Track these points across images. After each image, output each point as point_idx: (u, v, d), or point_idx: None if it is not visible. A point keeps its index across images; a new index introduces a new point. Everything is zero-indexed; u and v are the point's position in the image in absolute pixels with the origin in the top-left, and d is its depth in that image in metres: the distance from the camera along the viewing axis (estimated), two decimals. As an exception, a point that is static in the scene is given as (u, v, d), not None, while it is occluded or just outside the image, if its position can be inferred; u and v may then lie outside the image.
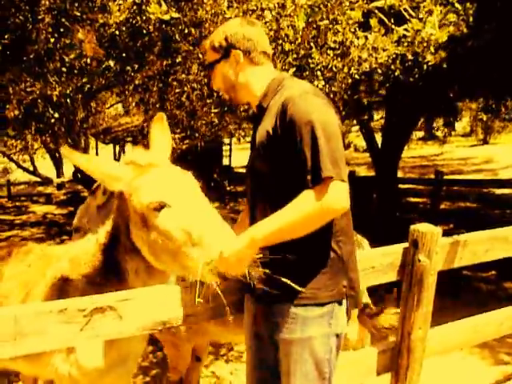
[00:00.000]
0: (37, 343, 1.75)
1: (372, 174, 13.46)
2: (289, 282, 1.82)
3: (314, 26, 2.80)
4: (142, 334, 2.05)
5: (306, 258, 1.90)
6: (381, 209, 10.00)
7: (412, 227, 2.44)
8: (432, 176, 11.39)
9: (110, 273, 2.19)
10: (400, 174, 16.45)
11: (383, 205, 10.05)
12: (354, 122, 14.52)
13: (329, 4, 2.53)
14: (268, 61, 2.14)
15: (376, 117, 15.43)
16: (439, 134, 26.16)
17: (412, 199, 13.42)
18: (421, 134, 29.73)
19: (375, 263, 2.38)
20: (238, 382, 4.40)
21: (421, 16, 2.46)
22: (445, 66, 3.99)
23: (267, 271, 1.81)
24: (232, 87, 2.12)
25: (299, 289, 1.84)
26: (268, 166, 1.94)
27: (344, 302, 1.98)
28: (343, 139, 1.91)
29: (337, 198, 1.75)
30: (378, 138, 11.45)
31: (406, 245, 2.46)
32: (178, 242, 1.90)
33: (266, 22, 2.74)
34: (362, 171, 19.28)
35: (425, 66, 3.99)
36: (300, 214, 1.75)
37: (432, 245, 2.40)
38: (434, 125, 25.63)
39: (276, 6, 2.61)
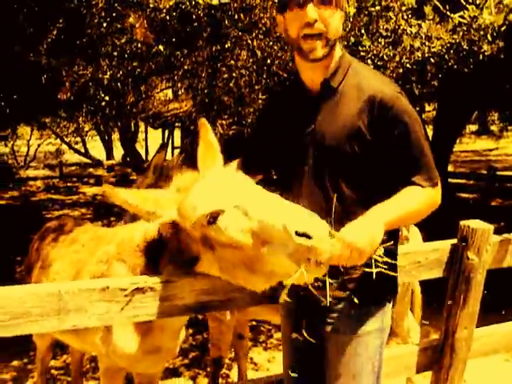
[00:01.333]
0: (79, 319, 1.78)
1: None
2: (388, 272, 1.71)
3: (366, 12, 2.72)
4: (181, 316, 2.07)
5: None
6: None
7: (462, 223, 2.35)
8: (484, 172, 11.04)
9: (149, 268, 2.14)
10: (451, 169, 16.03)
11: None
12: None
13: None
14: None
15: (428, 108, 15.02)
16: (494, 128, 25.28)
17: (462, 195, 13.03)
18: (475, 127, 28.82)
19: (421, 258, 2.31)
20: (276, 370, 4.41)
21: (478, 2, 2.34)
22: (502, 56, 3.83)
23: (390, 260, 1.70)
24: (332, 43, 1.80)
25: (394, 274, 1.80)
26: (353, 159, 1.80)
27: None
28: None
29: (440, 197, 1.91)
30: (430, 130, 11.16)
31: (455, 241, 2.38)
32: (248, 246, 1.62)
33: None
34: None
35: (481, 56, 3.83)
36: (423, 204, 1.83)
37: (482, 242, 2.30)
38: (489, 118, 24.78)
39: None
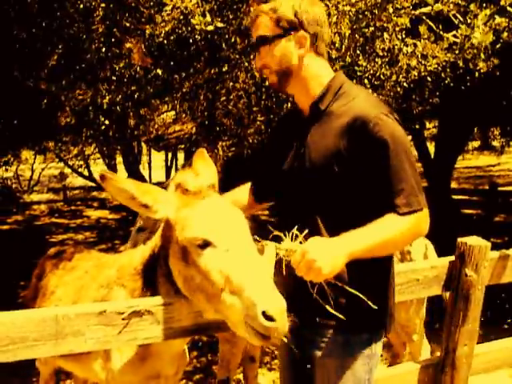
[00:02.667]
0: (76, 344, 1.79)
1: (424, 184, 13.17)
2: (364, 298, 1.71)
3: (360, 33, 2.76)
4: (179, 338, 2.07)
5: (369, 287, 1.82)
6: (433, 220, 9.74)
7: (459, 240, 2.35)
8: (487, 187, 11.03)
9: (147, 289, 2.14)
10: (454, 185, 16.01)
11: (434, 216, 9.78)
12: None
13: (374, 11, 2.49)
14: (325, 54, 1.95)
15: (428, 125, 15.06)
16: (496, 143, 25.32)
17: (466, 211, 13.01)
18: (477, 143, 28.85)
19: (420, 276, 2.31)
20: (280, 392, 4.37)
21: (469, 21, 2.38)
22: (498, 73, 3.86)
23: (345, 286, 1.72)
24: (286, 71, 1.87)
25: (373, 306, 1.74)
26: (333, 183, 1.82)
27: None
28: None
29: (427, 225, 1.85)
30: (431, 147, 11.20)
31: (453, 258, 2.38)
32: (217, 285, 1.72)
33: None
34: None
35: (476, 74, 3.87)
36: (401, 233, 1.75)
37: (480, 259, 2.30)
38: (490, 134, 24.82)
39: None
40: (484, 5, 2.30)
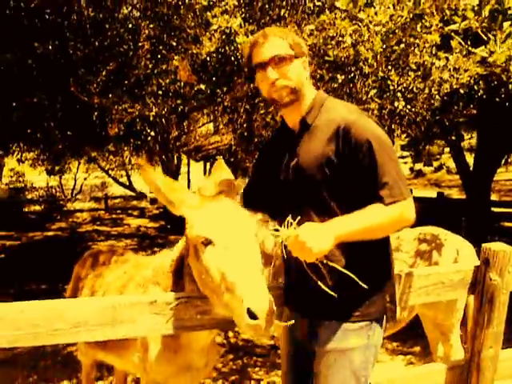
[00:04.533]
0: (130, 329, 2.01)
1: (463, 196, 13.06)
2: (356, 278, 1.86)
3: (391, 50, 2.92)
4: (219, 328, 2.27)
5: (365, 270, 1.98)
6: (470, 232, 9.68)
7: (484, 245, 2.48)
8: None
9: (177, 286, 2.33)
10: (495, 198, 15.78)
11: (473, 228, 9.72)
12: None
13: (404, 29, 2.65)
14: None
15: (466, 137, 14.92)
16: (540, 156, 24.74)
17: (507, 224, 12.83)
18: (520, 155, 28.22)
19: (445, 279, 2.44)
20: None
21: (494, 38, 2.50)
22: (530, 86, 3.94)
23: (337, 266, 1.87)
24: (299, 90, 2.08)
25: (365, 286, 1.88)
26: (326, 186, 2.01)
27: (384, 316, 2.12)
28: None
29: (411, 213, 1.97)
30: (471, 159, 11.13)
31: (478, 263, 2.50)
32: (215, 282, 1.91)
33: (344, 48, 2.92)
34: (455, 193, 18.69)
35: (510, 86, 3.96)
36: (384, 220, 1.92)
37: (504, 264, 2.42)
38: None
39: (352, 32, 2.78)
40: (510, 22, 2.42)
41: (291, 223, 1.87)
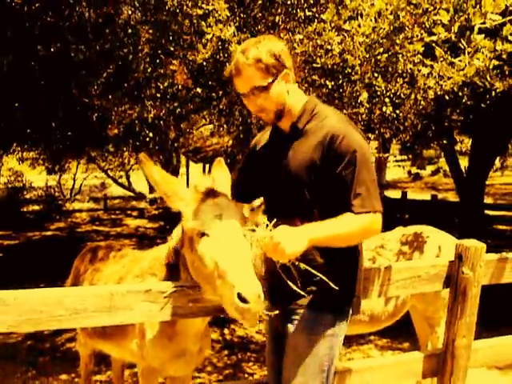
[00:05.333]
0: (126, 316, 2.16)
1: (456, 199, 13.25)
2: (326, 279, 2.03)
3: (374, 59, 3.09)
4: (210, 315, 2.45)
5: (337, 268, 2.17)
6: (463, 234, 9.84)
7: (457, 242, 2.66)
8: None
9: (172, 277, 2.49)
10: (490, 201, 15.97)
11: (466, 230, 9.88)
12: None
13: (385, 40, 2.81)
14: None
15: (459, 141, 15.09)
16: (535, 160, 24.91)
17: (500, 226, 13.02)
18: (515, 160, 28.37)
19: (421, 273, 2.61)
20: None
21: (468, 50, 2.66)
22: (513, 92, 4.11)
23: (308, 268, 2.02)
24: (282, 108, 2.17)
25: (334, 287, 2.04)
26: (307, 187, 2.15)
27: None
28: None
29: (378, 225, 2.12)
30: (462, 161, 11.31)
31: (452, 258, 2.68)
32: (208, 269, 2.06)
33: (331, 56, 3.08)
34: (451, 196, 18.86)
35: (493, 93, 4.13)
36: (354, 229, 2.07)
37: (476, 259, 2.59)
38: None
39: (340, 41, 2.94)
40: (483, 35, 2.59)
41: (267, 225, 2.01)
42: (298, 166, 2.17)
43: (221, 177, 2.46)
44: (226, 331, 6.35)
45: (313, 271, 2.04)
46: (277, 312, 2.13)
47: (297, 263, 2.01)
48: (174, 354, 2.74)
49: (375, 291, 2.55)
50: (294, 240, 1.92)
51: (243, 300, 1.90)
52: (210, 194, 2.24)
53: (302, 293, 2.07)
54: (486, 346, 2.92)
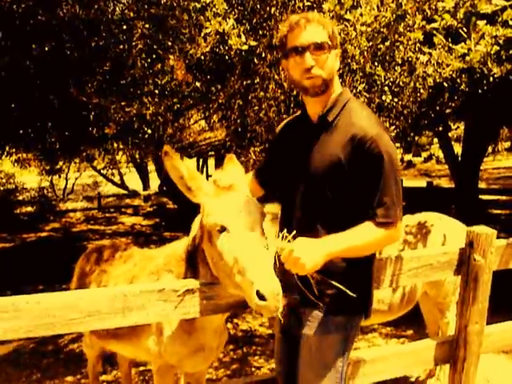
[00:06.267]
0: (140, 317, 2.15)
1: (451, 185, 13.31)
2: (343, 288, 2.04)
3: (376, 48, 3.07)
4: (224, 312, 2.44)
5: (355, 273, 2.18)
6: (458, 219, 9.89)
7: (468, 229, 2.66)
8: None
9: (190, 273, 2.51)
10: (483, 186, 16.05)
11: (461, 215, 9.92)
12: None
13: (385, 29, 2.79)
14: None
15: (453, 127, 15.16)
16: (526, 144, 25.10)
17: (494, 211, 13.10)
18: (507, 144, 28.59)
19: (433, 261, 2.61)
20: None
21: (473, 36, 2.65)
22: (511, 77, 4.11)
23: (325, 278, 2.03)
24: (330, 81, 2.10)
25: (352, 294, 2.05)
26: (330, 186, 2.09)
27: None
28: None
29: (399, 234, 2.13)
30: (456, 148, 11.36)
31: (463, 245, 2.68)
32: (228, 265, 2.06)
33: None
34: (444, 183, 18.96)
35: (491, 78, 4.13)
36: (375, 240, 2.06)
37: (487, 245, 2.60)
38: (521, 135, 24.60)
39: (340, 31, 2.93)
40: (485, 21, 2.58)
41: (286, 236, 2.01)
42: (322, 162, 2.11)
43: (236, 173, 2.44)
44: (229, 325, 6.35)
45: (330, 281, 2.04)
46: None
47: (315, 275, 2.02)
48: (193, 349, 2.73)
49: (387, 281, 2.55)
50: (313, 254, 1.92)
51: (261, 297, 1.90)
52: (231, 189, 2.23)
53: (319, 302, 2.10)
54: (498, 331, 2.93)
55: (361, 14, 2.74)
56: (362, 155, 2.01)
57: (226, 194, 2.21)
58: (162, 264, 2.82)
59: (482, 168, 12.05)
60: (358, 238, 2.03)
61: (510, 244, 2.78)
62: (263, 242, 2.09)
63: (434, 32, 2.88)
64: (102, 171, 19.74)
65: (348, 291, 2.04)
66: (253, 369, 5.10)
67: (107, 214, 19.15)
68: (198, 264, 2.42)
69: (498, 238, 2.71)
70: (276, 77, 3.85)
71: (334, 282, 2.05)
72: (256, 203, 2.23)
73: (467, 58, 2.71)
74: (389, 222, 2.04)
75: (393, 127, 7.48)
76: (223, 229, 2.10)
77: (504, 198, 13.14)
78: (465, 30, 2.72)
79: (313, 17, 2.08)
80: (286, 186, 2.34)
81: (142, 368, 5.18)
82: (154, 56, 4.12)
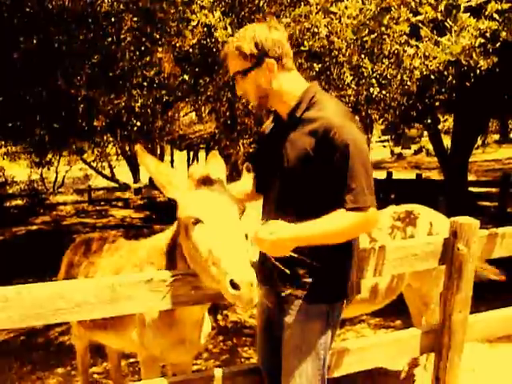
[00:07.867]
0: (128, 307, 2.18)
1: (441, 177, 13.41)
2: (308, 260, 2.09)
3: (361, 40, 3.10)
4: (211, 302, 2.48)
5: (330, 263, 2.20)
6: (447, 212, 9.98)
7: (451, 219, 2.70)
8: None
9: (170, 266, 2.51)
10: (472, 178, 16.17)
11: (450, 207, 10.02)
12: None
13: (371, 22, 2.81)
14: (294, 66, 2.23)
15: (442, 119, 15.25)
16: (515, 136, 25.28)
17: (483, 203, 13.21)
18: (496, 137, 28.78)
19: (417, 251, 2.66)
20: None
21: (455, 28, 2.69)
22: (497, 70, 4.15)
23: (294, 255, 2.05)
24: (264, 95, 2.19)
25: (315, 264, 2.11)
26: (301, 178, 2.14)
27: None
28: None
29: (372, 222, 2.15)
30: (445, 140, 11.44)
31: (444, 235, 2.72)
32: (203, 257, 2.08)
33: (319, 38, 3.08)
34: (434, 175, 19.08)
35: (478, 71, 4.17)
36: (344, 226, 2.07)
37: (470, 235, 2.64)
38: (511, 127, 24.80)
39: (327, 24, 2.94)
40: (469, 14, 2.62)
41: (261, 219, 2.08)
42: (293, 156, 2.16)
43: (216, 166, 2.47)
44: (219, 317, 6.39)
45: (301, 257, 2.06)
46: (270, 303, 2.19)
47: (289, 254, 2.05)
48: (174, 341, 2.77)
49: (371, 271, 2.59)
50: (276, 238, 1.98)
51: (235, 286, 1.93)
52: (205, 181, 2.24)
53: (286, 270, 2.10)
54: (482, 320, 2.98)
55: (346, 7, 2.77)
56: (327, 145, 2.04)
57: (200, 186, 2.23)
58: (145, 256, 2.86)
59: (471, 160, 12.14)
60: (329, 225, 2.05)
61: (493, 234, 2.84)
62: (239, 234, 2.12)
63: (420, 25, 2.91)
64: (91, 164, 19.66)
65: (308, 260, 2.08)
66: (242, 359, 5.14)
67: (98, 207, 19.08)
68: (177, 258, 2.45)
69: (486, 230, 2.77)
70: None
71: (304, 258, 2.07)
72: (232, 196, 2.26)
73: (448, 50, 2.74)
74: (359, 207, 2.05)
75: (381, 120, 7.55)
76: (197, 221, 2.12)
77: (493, 190, 13.23)
78: (450, 22, 2.75)
79: (231, 43, 2.18)
80: (265, 185, 2.39)
81: (131, 360, 5.20)
82: (143, 48, 4.13)
